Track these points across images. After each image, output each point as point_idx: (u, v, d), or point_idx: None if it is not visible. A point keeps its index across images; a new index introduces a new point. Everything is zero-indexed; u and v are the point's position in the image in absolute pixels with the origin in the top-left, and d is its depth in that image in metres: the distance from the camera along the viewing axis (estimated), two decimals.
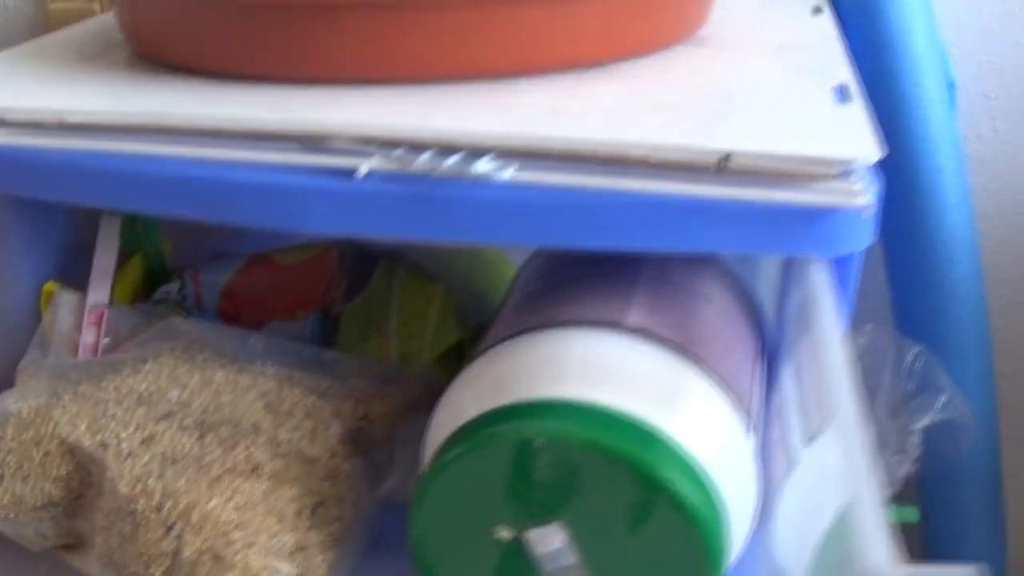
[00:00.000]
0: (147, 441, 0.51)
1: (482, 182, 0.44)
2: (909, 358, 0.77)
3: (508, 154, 0.45)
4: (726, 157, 0.44)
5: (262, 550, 0.47)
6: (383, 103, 0.50)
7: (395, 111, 0.48)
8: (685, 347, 0.47)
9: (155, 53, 0.57)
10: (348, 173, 0.46)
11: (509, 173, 0.44)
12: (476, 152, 0.45)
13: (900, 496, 0.77)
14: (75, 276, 0.61)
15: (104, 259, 0.60)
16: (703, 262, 0.55)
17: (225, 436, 0.51)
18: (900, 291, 0.81)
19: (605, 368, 0.45)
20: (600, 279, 0.50)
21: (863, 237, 0.46)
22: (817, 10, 0.70)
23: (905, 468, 0.76)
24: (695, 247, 0.45)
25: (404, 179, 0.45)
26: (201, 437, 0.51)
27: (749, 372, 0.51)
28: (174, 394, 0.52)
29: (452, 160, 0.45)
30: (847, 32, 0.74)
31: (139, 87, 0.54)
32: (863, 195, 0.44)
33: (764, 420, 0.53)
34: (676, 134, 0.45)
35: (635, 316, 0.47)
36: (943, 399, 0.77)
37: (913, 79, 0.73)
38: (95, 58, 0.59)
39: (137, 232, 0.64)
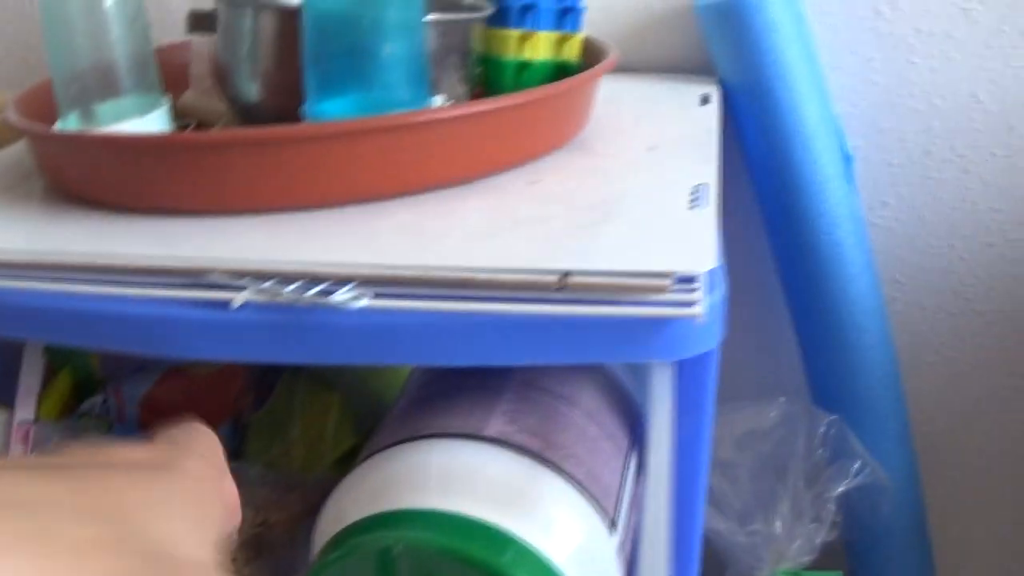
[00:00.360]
0: None
1: (343, 309, 0.48)
2: (822, 428, 0.80)
3: (367, 282, 0.48)
4: (565, 277, 0.47)
5: None
6: (261, 233, 0.53)
7: (270, 242, 0.52)
8: (544, 452, 0.50)
9: (63, 188, 0.61)
10: (224, 304, 0.49)
11: (364, 302, 0.48)
12: (339, 281, 0.49)
13: (826, 562, 0.80)
14: (7, 394, 0.65)
15: (29, 378, 0.64)
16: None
17: None
18: (812, 362, 0.83)
19: (463, 478, 0.48)
20: (469, 389, 0.54)
21: (704, 341, 0.49)
22: (705, 99, 0.74)
23: (822, 535, 0.78)
24: (542, 360, 0.48)
25: (274, 309, 0.49)
26: None
27: (618, 466, 0.54)
28: None
29: (315, 290, 0.48)
30: (740, 116, 0.78)
31: (48, 223, 0.58)
32: (697, 305, 0.47)
33: (640, 506, 0.56)
34: (523, 255, 0.49)
35: (495, 426, 0.51)
36: (857, 466, 0.79)
37: (807, 157, 0.76)
38: (11, 190, 0.63)
39: (64, 347, 0.68)
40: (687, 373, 0.53)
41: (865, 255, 0.79)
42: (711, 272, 0.49)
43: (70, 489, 0.24)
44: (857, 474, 0.79)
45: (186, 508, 0.26)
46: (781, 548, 0.78)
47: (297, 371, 0.65)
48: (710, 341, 0.49)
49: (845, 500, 0.81)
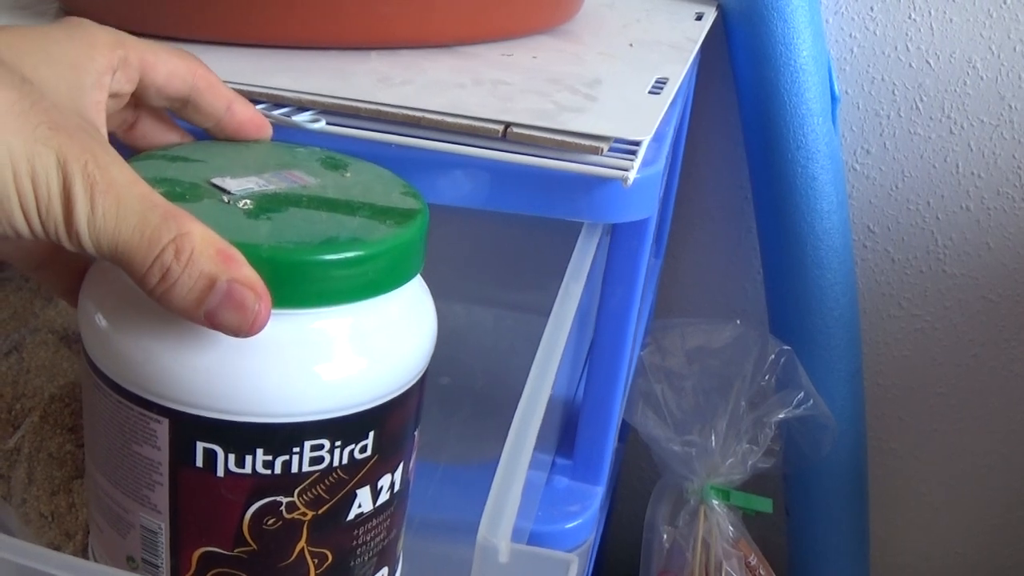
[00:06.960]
0: (12, 351, 0.58)
1: (302, 130, 0.51)
2: (772, 355, 0.83)
3: (327, 110, 0.52)
4: (508, 127, 0.50)
5: (90, 454, 0.54)
6: (244, 62, 0.57)
7: (250, 70, 0.55)
8: None
9: (73, 9, 0.64)
10: None
11: (320, 125, 0.51)
12: (302, 107, 0.52)
13: (764, 491, 0.83)
14: None
15: None
16: None
17: (79, 348, 0.58)
18: (773, 291, 0.86)
19: None
20: None
21: (633, 209, 0.52)
22: (699, 16, 0.76)
23: (756, 458, 0.81)
24: (480, 204, 0.51)
25: None
26: (57, 350, 0.58)
27: None
28: (38, 305, 0.59)
29: (280, 111, 0.52)
30: (735, 40, 0.80)
31: None
32: (630, 171, 0.50)
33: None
34: (474, 106, 0.52)
35: None
36: (800, 396, 0.82)
37: (793, 90, 0.79)
38: (27, 8, 0.67)
39: None
40: (619, 243, 0.56)
41: (839, 195, 0.81)
42: (651, 148, 0.52)
43: None
44: (799, 405, 0.81)
45: (63, 65, 0.33)
46: (714, 463, 0.81)
47: None
48: (640, 211, 0.52)
49: (788, 432, 0.84)
